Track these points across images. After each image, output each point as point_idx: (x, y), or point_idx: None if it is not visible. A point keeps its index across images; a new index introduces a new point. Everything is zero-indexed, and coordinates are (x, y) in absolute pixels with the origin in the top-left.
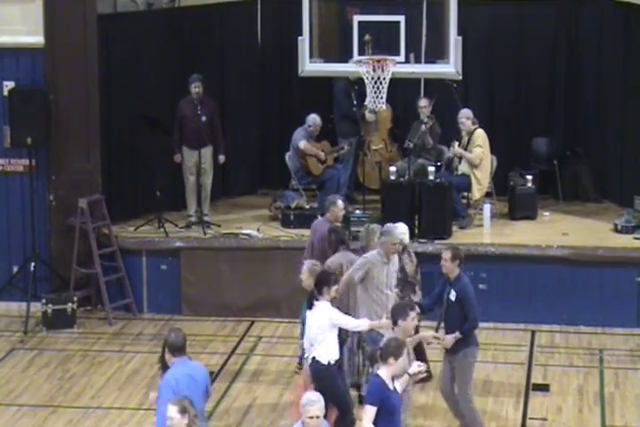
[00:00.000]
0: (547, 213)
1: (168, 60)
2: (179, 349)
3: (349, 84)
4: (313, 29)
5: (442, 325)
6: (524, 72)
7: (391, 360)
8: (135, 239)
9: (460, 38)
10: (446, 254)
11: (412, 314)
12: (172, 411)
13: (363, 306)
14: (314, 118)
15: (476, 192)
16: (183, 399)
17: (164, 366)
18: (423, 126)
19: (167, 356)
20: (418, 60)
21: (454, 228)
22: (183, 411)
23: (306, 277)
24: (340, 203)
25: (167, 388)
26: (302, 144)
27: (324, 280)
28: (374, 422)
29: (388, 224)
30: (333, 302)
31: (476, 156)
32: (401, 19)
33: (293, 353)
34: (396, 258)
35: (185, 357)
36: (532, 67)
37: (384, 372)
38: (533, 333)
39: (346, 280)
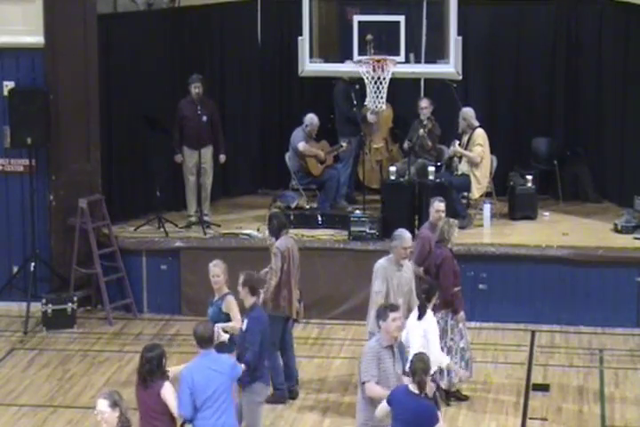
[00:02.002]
0: (547, 213)
1: (168, 60)
2: (206, 341)
3: (348, 86)
4: (313, 29)
5: None
6: (524, 72)
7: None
8: (135, 239)
9: (459, 38)
10: (239, 279)
11: (392, 315)
12: (102, 405)
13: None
14: (311, 118)
15: (476, 191)
16: (113, 393)
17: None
18: (421, 130)
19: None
20: (418, 60)
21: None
22: (114, 405)
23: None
24: (436, 204)
25: (184, 379)
26: (301, 146)
27: (435, 289)
28: None
29: (400, 229)
30: None
31: (477, 154)
32: (401, 19)
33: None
34: (407, 264)
35: (210, 350)
36: (532, 67)
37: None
38: (533, 333)
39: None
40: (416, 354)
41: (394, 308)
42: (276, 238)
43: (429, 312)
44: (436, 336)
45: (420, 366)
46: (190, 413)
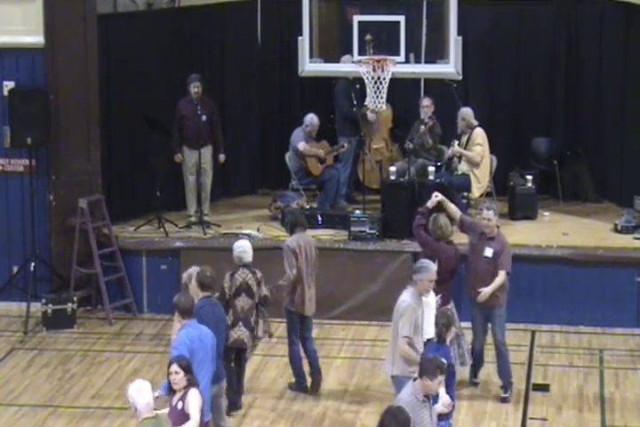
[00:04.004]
0: (547, 213)
1: (168, 60)
2: (188, 312)
3: (350, 85)
4: (313, 29)
5: None
6: (524, 72)
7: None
8: (135, 239)
9: (459, 38)
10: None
11: (440, 378)
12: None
13: (398, 351)
14: (311, 118)
15: (476, 191)
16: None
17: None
18: (423, 127)
19: (177, 317)
20: (418, 60)
21: (454, 228)
22: None
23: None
24: (484, 212)
25: (183, 346)
26: (301, 146)
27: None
28: None
29: (422, 260)
30: None
31: (477, 154)
32: (401, 19)
33: None
34: (431, 294)
35: (193, 320)
36: (532, 67)
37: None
38: (533, 333)
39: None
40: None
41: (444, 370)
42: (291, 234)
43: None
44: (433, 310)
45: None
46: None
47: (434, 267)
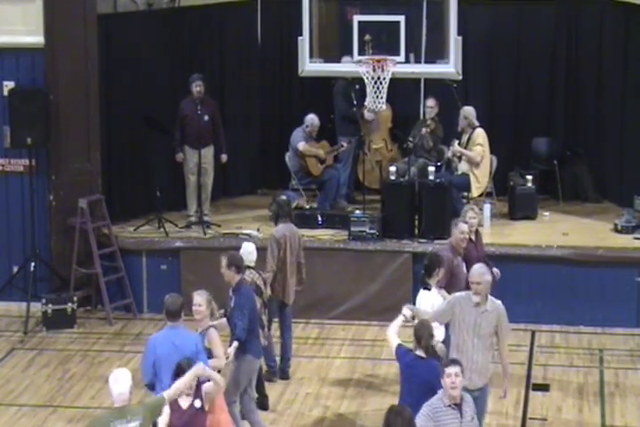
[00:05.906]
0: (547, 213)
1: (168, 60)
2: (172, 314)
3: (349, 85)
4: (313, 29)
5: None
6: (524, 72)
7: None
8: (135, 239)
9: (459, 38)
10: (222, 261)
11: (447, 370)
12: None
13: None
14: (312, 119)
15: (475, 190)
16: None
17: None
18: (424, 129)
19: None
20: (418, 60)
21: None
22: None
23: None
24: (460, 225)
25: (149, 348)
26: (301, 146)
27: (435, 264)
28: None
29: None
30: None
31: (477, 153)
32: (401, 19)
33: (294, 353)
34: (494, 304)
35: (177, 324)
36: (532, 67)
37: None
38: (533, 333)
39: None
40: (419, 321)
41: (450, 363)
42: (275, 224)
43: (434, 288)
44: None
45: (424, 332)
46: (150, 378)
47: (475, 268)
